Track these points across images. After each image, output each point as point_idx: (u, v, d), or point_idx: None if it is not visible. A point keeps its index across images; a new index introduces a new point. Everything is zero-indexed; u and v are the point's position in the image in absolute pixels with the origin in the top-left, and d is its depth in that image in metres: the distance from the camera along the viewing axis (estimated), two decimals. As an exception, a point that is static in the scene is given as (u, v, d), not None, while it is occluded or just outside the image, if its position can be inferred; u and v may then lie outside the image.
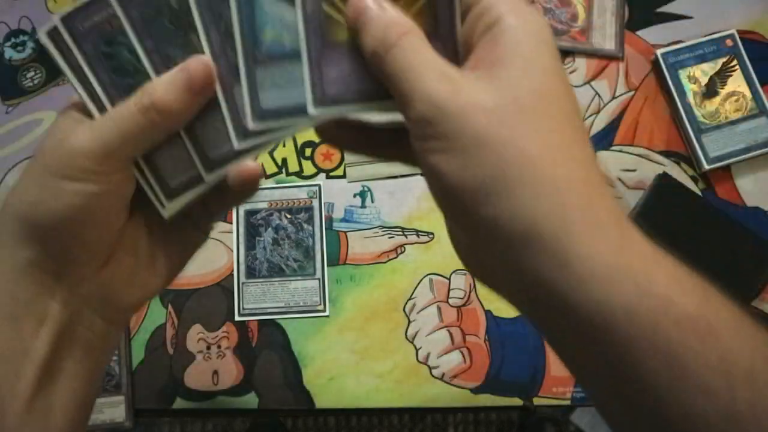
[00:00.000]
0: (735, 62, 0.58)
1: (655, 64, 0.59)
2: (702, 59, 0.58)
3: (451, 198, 0.24)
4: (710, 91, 0.58)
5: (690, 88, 0.58)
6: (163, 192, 0.29)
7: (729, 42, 0.58)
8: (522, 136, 0.23)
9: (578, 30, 0.61)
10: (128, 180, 0.29)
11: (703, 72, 0.58)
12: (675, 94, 0.58)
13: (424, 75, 0.24)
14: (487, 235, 0.24)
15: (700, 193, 0.57)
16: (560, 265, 0.23)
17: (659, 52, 0.58)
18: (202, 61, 0.27)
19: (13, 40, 0.64)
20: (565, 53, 0.61)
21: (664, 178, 0.55)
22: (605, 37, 0.61)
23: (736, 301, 0.25)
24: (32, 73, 0.63)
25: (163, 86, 0.27)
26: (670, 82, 0.58)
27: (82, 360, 0.31)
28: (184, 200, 0.29)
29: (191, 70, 0.27)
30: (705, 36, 0.59)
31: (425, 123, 0.24)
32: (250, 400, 0.56)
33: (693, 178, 0.58)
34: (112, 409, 0.56)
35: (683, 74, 0.58)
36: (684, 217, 0.54)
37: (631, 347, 0.22)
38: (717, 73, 0.58)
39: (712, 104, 0.58)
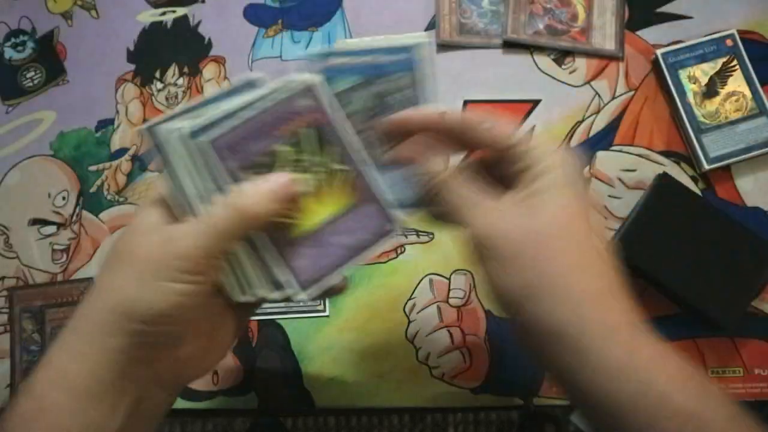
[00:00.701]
0: (735, 62, 0.58)
1: (655, 64, 0.59)
2: (702, 59, 0.58)
3: (499, 296, 0.32)
4: (710, 91, 0.58)
5: (690, 88, 0.58)
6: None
7: (729, 42, 0.58)
8: (550, 256, 0.31)
9: (578, 30, 0.61)
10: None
11: (703, 72, 0.58)
12: (675, 94, 0.58)
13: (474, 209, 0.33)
14: (526, 327, 0.31)
15: (700, 193, 0.57)
16: (579, 360, 0.29)
17: (659, 52, 0.58)
18: (284, 176, 0.33)
19: (13, 40, 0.64)
20: (565, 53, 0.61)
21: (664, 178, 0.55)
22: (605, 37, 0.61)
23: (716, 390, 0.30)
24: (32, 73, 0.63)
25: (251, 191, 0.32)
26: (670, 82, 0.58)
27: (144, 429, 0.35)
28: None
29: (276, 182, 0.33)
30: (705, 36, 0.59)
31: (479, 243, 0.32)
32: (250, 400, 0.56)
33: (693, 178, 0.58)
34: None
35: (683, 74, 0.58)
36: (684, 217, 0.54)
37: None
38: (717, 73, 0.58)
39: (712, 104, 0.58)
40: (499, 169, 0.35)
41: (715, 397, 0.29)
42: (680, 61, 0.58)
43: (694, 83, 0.58)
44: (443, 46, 0.61)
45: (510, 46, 0.61)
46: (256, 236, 0.34)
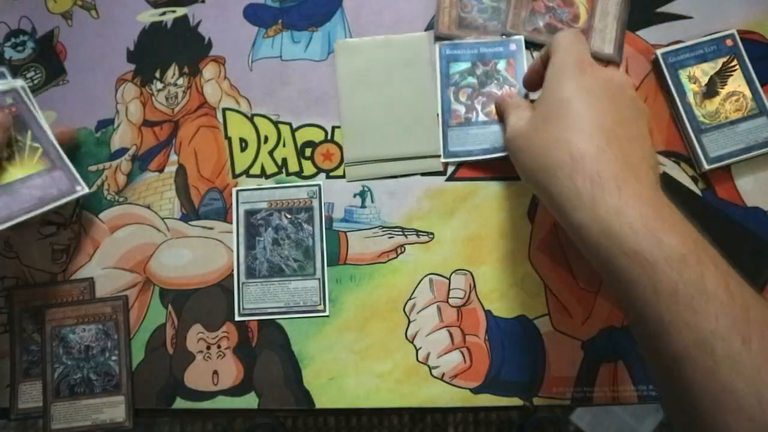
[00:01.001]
0: (735, 62, 0.58)
1: (655, 64, 0.59)
2: (702, 59, 0.58)
3: (527, 178, 0.46)
4: (710, 91, 0.58)
5: (690, 87, 0.58)
6: None
7: (729, 42, 0.58)
8: (545, 138, 0.44)
9: (578, 30, 0.61)
10: None
11: (703, 72, 0.58)
12: (675, 94, 0.58)
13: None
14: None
15: (700, 193, 0.57)
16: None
17: (659, 51, 0.58)
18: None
19: (13, 40, 0.64)
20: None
21: (664, 179, 0.55)
22: (605, 41, 0.61)
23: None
24: (32, 73, 0.63)
25: None
26: (670, 82, 0.58)
27: None
28: None
29: None
30: (705, 36, 0.59)
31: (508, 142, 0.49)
32: (250, 400, 0.56)
33: (693, 178, 0.58)
34: (112, 408, 0.57)
35: (683, 74, 0.58)
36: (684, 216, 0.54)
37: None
38: (717, 73, 0.58)
39: (712, 104, 0.58)
40: None
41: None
42: (680, 61, 0.58)
43: (694, 83, 0.58)
44: (441, 39, 0.61)
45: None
46: None
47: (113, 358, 0.58)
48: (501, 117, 0.56)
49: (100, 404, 0.57)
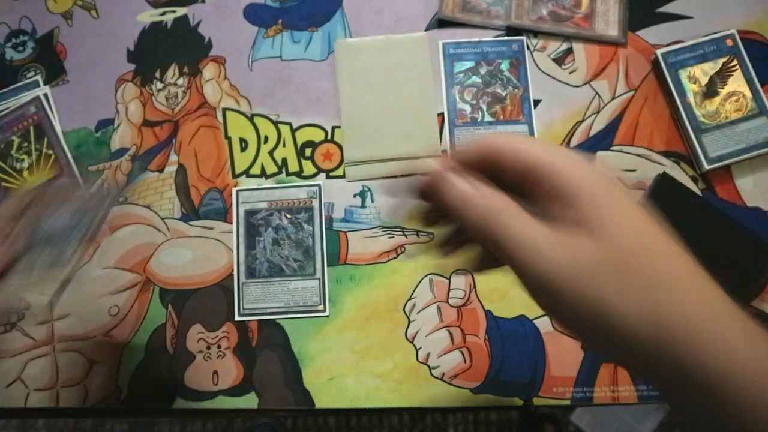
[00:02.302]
0: (735, 62, 0.58)
1: (655, 64, 0.59)
2: (702, 59, 0.58)
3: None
4: (710, 91, 0.58)
5: (690, 87, 0.58)
6: None
7: (729, 42, 0.58)
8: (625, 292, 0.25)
9: (582, 16, 0.61)
10: None
11: (704, 72, 0.58)
12: (675, 94, 0.58)
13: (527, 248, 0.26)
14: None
15: (700, 193, 0.57)
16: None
17: (659, 52, 0.58)
18: None
19: (13, 40, 0.64)
20: (567, 52, 0.61)
21: (664, 178, 0.55)
22: (608, 24, 0.61)
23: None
24: (32, 73, 0.63)
25: None
26: (670, 82, 0.58)
27: None
28: None
29: None
30: (705, 36, 0.59)
31: (540, 291, 0.26)
32: (250, 400, 0.56)
33: (693, 178, 0.58)
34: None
35: (683, 74, 0.58)
36: (684, 217, 0.54)
37: None
38: (717, 73, 0.58)
39: (712, 104, 0.58)
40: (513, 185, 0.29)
41: None
42: (680, 61, 0.58)
43: (694, 83, 0.58)
44: (444, 22, 0.61)
45: (513, 31, 0.61)
46: None
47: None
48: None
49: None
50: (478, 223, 0.27)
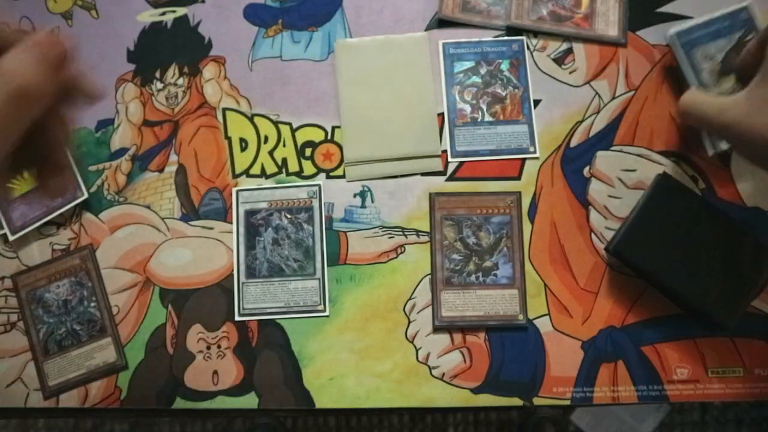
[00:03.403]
0: (752, 35, 0.56)
1: (669, 45, 0.58)
2: (717, 35, 0.57)
3: None
4: (726, 68, 0.56)
5: (705, 67, 0.56)
6: None
7: (744, 15, 0.57)
8: None
9: (581, 16, 0.61)
10: None
11: (718, 48, 0.57)
12: (691, 74, 0.56)
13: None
14: None
15: (699, 193, 0.57)
16: None
17: (672, 31, 0.57)
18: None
19: (13, 40, 0.64)
20: (567, 52, 0.61)
21: (664, 178, 0.55)
22: (608, 24, 0.61)
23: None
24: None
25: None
26: (685, 61, 0.57)
27: None
28: None
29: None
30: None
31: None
32: (250, 400, 0.56)
33: (693, 178, 0.58)
34: (103, 351, 0.58)
35: (697, 52, 0.57)
36: (684, 217, 0.54)
37: None
38: (734, 48, 0.56)
39: (728, 81, 0.56)
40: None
41: None
42: (694, 40, 0.57)
43: (710, 60, 0.57)
44: (444, 23, 0.61)
45: (513, 31, 0.61)
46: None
47: (92, 304, 0.58)
48: (745, 69, 0.50)
49: (90, 351, 0.58)
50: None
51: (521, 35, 0.61)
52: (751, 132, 0.44)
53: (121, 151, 0.61)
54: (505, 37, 0.61)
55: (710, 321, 0.53)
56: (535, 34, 0.61)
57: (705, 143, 0.57)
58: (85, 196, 0.59)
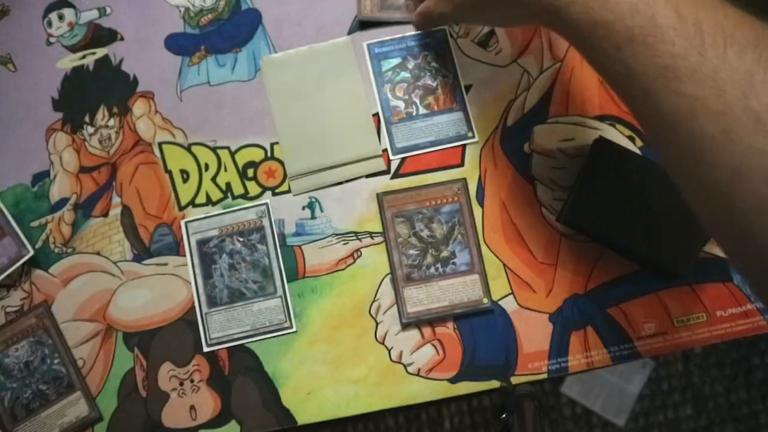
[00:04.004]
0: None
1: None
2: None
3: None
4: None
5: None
6: None
7: None
8: None
9: None
10: None
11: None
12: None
13: None
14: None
15: (638, 151, 0.59)
16: None
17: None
18: None
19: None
20: (490, 34, 0.62)
21: (600, 142, 0.56)
22: None
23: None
24: None
25: None
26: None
27: None
28: None
29: None
30: None
31: None
32: (233, 428, 0.56)
33: (629, 138, 0.59)
34: (74, 407, 0.57)
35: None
36: (626, 176, 0.55)
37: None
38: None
39: None
40: None
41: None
42: None
43: None
44: (366, 24, 0.61)
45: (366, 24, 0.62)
46: None
47: (56, 361, 0.57)
48: None
49: (60, 409, 0.56)
50: None
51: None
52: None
53: (62, 202, 0.60)
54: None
55: (667, 271, 0.55)
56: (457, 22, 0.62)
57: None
58: (31, 253, 0.58)
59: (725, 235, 0.38)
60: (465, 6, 0.52)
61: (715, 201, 0.36)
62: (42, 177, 0.61)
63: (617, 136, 0.59)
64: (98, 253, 0.59)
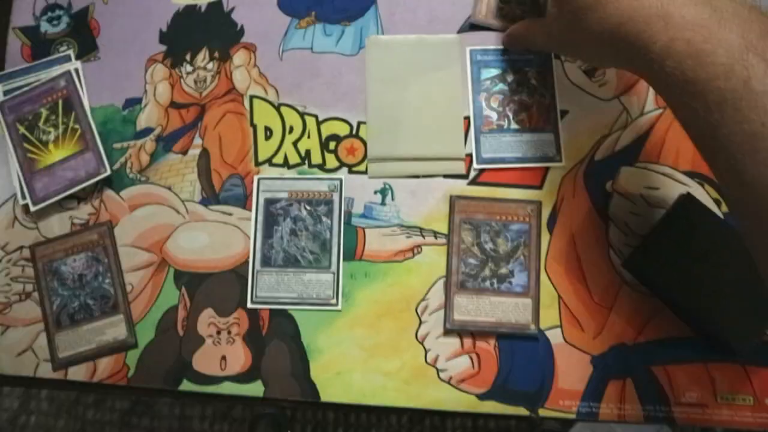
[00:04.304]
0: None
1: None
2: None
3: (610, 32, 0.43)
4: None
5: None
6: None
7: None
8: None
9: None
10: None
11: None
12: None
13: None
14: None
15: (722, 216, 0.57)
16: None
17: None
18: None
19: (49, 14, 0.65)
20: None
21: (687, 198, 0.55)
22: None
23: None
24: (65, 47, 0.64)
25: None
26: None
27: None
28: None
29: None
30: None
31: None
32: (256, 388, 0.57)
33: (716, 201, 0.57)
34: (114, 328, 0.58)
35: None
36: (704, 239, 0.53)
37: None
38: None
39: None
40: None
41: None
42: None
43: None
44: (475, 27, 0.61)
45: None
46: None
47: (107, 281, 0.59)
48: None
49: (101, 326, 0.58)
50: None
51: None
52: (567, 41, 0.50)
53: (147, 131, 0.62)
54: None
55: (723, 346, 0.53)
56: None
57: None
58: (108, 172, 0.59)
59: None
60: (560, 41, 0.51)
61: None
62: (133, 103, 0.62)
63: (704, 196, 0.58)
64: (169, 188, 0.60)
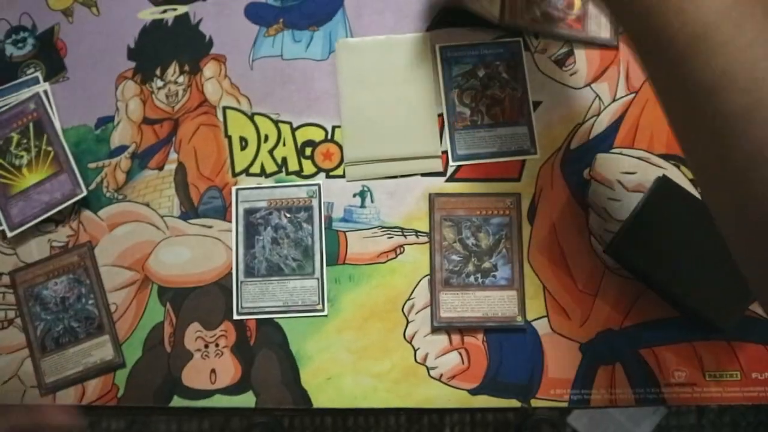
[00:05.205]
0: None
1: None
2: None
3: None
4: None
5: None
6: None
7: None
8: None
9: (574, 18, 0.61)
10: None
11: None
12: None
13: None
14: None
15: (699, 197, 0.57)
16: None
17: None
18: None
19: (13, 36, 0.64)
20: (568, 54, 0.61)
21: (664, 181, 0.55)
22: (600, 26, 0.61)
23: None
24: (32, 70, 0.63)
25: None
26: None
27: None
28: None
29: None
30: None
31: None
32: (248, 399, 0.56)
33: (692, 181, 0.58)
34: (100, 349, 0.58)
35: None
36: (683, 220, 0.54)
37: None
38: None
39: None
40: None
41: None
42: None
43: None
44: (443, 22, 0.62)
45: (507, 31, 0.61)
46: None
47: (90, 302, 0.58)
48: None
49: (87, 348, 0.57)
50: None
51: (518, 36, 0.61)
52: None
53: (121, 149, 0.61)
54: (503, 39, 0.61)
55: (708, 324, 0.53)
56: (536, 35, 0.61)
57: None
58: (84, 193, 0.59)
59: (738, 231, 0.35)
60: None
61: (729, 190, 0.33)
62: (106, 121, 0.62)
63: (680, 177, 0.58)
64: (147, 205, 0.60)
